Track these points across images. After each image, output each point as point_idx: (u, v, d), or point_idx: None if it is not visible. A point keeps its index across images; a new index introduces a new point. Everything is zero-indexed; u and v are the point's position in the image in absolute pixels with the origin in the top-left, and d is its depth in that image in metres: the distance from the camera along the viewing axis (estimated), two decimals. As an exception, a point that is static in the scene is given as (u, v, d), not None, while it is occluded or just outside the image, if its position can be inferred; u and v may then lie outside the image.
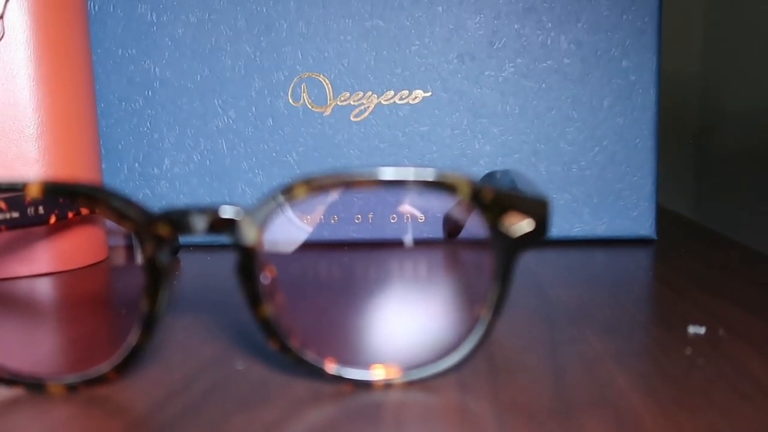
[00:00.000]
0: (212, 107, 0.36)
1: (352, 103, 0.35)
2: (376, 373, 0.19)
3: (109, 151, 0.36)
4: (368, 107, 0.35)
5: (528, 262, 0.32)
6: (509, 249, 0.18)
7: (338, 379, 0.19)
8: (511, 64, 0.35)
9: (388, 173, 0.18)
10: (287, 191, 0.18)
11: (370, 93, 0.35)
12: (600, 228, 0.35)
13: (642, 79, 0.34)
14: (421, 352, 0.19)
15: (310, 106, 0.35)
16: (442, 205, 0.32)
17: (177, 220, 0.18)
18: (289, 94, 0.35)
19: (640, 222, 0.35)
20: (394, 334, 0.21)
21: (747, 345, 0.21)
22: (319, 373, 0.19)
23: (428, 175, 0.17)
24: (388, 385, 0.19)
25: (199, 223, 0.18)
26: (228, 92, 0.35)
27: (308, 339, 0.19)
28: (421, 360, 0.19)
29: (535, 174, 0.35)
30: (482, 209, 0.18)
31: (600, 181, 0.35)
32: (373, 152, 0.35)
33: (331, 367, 0.19)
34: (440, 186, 0.18)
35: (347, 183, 0.18)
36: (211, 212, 0.18)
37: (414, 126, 0.35)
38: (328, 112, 0.35)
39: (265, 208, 0.18)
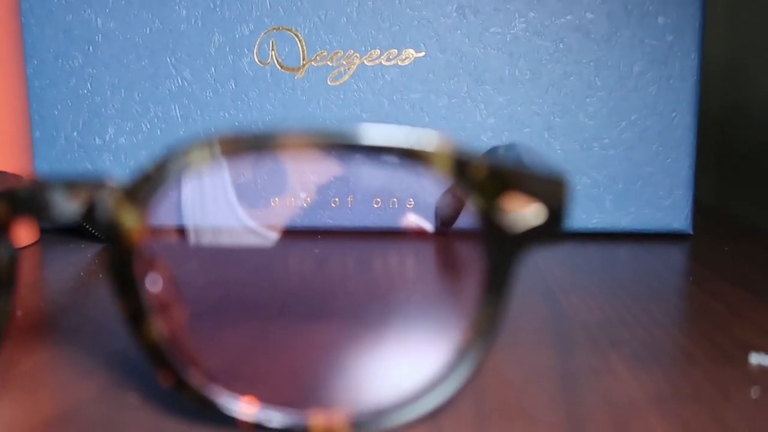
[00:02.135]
0: (164, 66, 0.30)
1: (329, 63, 0.29)
2: (315, 421, 0.13)
3: (44, 118, 0.31)
4: (349, 69, 0.29)
5: (535, 260, 0.26)
6: (508, 248, 0.12)
7: (259, 429, 0.13)
8: (522, 19, 0.29)
9: (328, 134, 0.12)
10: (180, 157, 0.12)
11: (351, 52, 0.29)
12: (625, 220, 0.29)
13: (682, 40, 0.28)
14: (381, 392, 0.14)
15: (279, 67, 0.30)
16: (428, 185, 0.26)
17: (20, 199, 0.12)
18: (255, 52, 0.29)
19: (674, 213, 0.29)
20: (345, 367, 0.15)
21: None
22: (230, 419, 0.13)
23: (389, 137, 0.12)
24: (328, 440, 0.13)
25: (55, 203, 0.12)
26: (183, 49, 0.30)
27: (218, 370, 0.13)
28: (382, 404, 0.13)
29: (549, 153, 0.29)
30: (471, 190, 0.12)
31: (626, 163, 0.29)
32: (354, 122, 0.29)
33: (248, 412, 0.13)
34: (407, 155, 0.12)
35: (266, 146, 0.12)
36: (71, 188, 0.12)
37: (403, 92, 0.29)
38: (301, 74, 0.29)
39: (149, 182, 0.12)
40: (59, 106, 0.30)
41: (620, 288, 0.23)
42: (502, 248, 0.12)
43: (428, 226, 0.30)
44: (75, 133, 0.31)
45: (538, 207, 0.12)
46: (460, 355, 0.13)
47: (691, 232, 0.30)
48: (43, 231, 0.31)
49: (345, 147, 0.12)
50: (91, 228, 0.12)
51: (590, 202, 0.29)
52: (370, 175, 0.29)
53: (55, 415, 0.14)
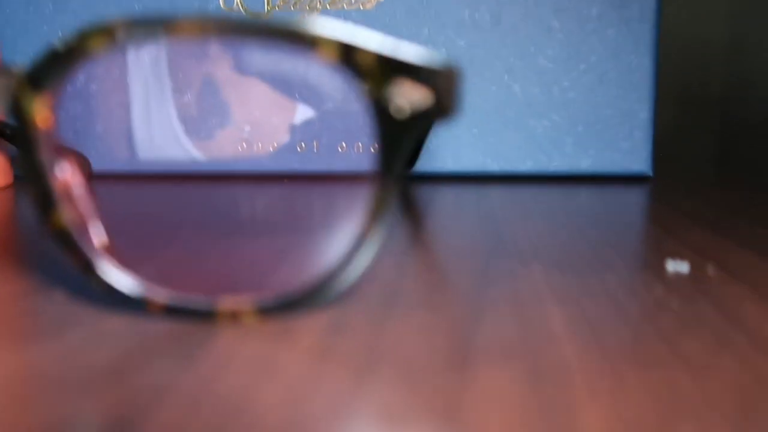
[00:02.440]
0: (129, 11, 0.30)
1: (293, 8, 0.30)
2: (222, 306, 0.13)
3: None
4: (312, 14, 0.30)
5: (489, 197, 0.26)
6: (397, 132, 0.13)
7: (164, 310, 0.14)
8: (483, -37, 0.29)
9: (223, 20, 0.12)
10: (82, 40, 0.12)
11: (314, -4, 0.30)
12: (585, 162, 0.30)
13: (639, -19, 0.28)
14: (288, 281, 0.14)
15: (244, 12, 0.30)
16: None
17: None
18: (221, -3, 0.30)
19: (633, 155, 0.30)
20: (254, 259, 0.15)
21: (743, 286, 0.16)
22: (140, 304, 0.14)
23: (280, 24, 0.12)
24: (234, 321, 0.13)
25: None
26: (149, -5, 0.30)
27: (129, 258, 0.14)
28: (287, 291, 0.14)
29: (509, 96, 0.29)
30: (358, 76, 0.12)
31: (586, 106, 0.29)
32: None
33: (157, 297, 0.13)
34: (294, 39, 0.12)
35: (164, 30, 0.12)
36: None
37: (365, 36, 0.30)
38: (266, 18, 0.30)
39: (52, 66, 0.12)
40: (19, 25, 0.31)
41: (564, 218, 0.23)
42: (391, 132, 0.13)
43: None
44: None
45: (426, 92, 0.12)
46: (359, 241, 0.13)
47: (651, 174, 0.30)
48: (18, 177, 0.31)
49: (237, 31, 0.12)
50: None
51: (550, 144, 0.30)
52: (333, 118, 0.30)
53: (-19, 305, 0.15)
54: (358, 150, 0.30)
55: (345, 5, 0.29)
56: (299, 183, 0.30)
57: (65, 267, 0.17)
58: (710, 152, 0.48)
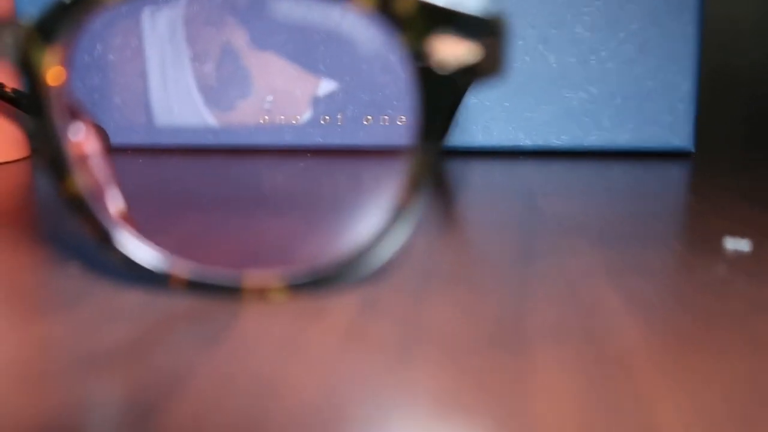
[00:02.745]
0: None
1: (317, -26, 0.28)
2: (250, 282, 0.12)
3: None
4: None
5: (523, 173, 0.25)
6: (440, 88, 0.11)
7: (187, 285, 0.13)
8: (518, -75, 0.27)
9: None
10: (93, -9, 0.11)
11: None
12: (623, 137, 0.28)
13: (685, -56, 0.27)
14: (320, 256, 0.13)
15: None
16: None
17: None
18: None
19: (675, 130, 0.28)
20: (283, 233, 0.14)
21: (810, 264, 0.14)
22: (161, 278, 0.13)
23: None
24: (261, 297, 0.12)
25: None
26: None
27: (149, 229, 0.13)
28: (318, 266, 0.13)
29: (544, 66, 0.28)
30: (397, 26, 0.11)
31: (625, 77, 0.28)
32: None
33: (180, 270, 0.12)
34: (328, -16, 0.11)
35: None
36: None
37: (393, 4, 0.28)
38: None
39: (61, 17, 0.11)
40: None
41: (606, 193, 0.22)
42: (432, 90, 0.11)
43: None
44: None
45: (472, 45, 0.11)
46: (396, 212, 0.12)
47: (693, 150, 0.28)
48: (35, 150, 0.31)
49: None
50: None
51: (587, 118, 0.28)
52: (359, 90, 0.29)
53: (-9, 278, 0.14)
54: (384, 122, 0.29)
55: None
56: (324, 156, 0.28)
57: (82, 239, 0.16)
58: (741, 126, 0.46)
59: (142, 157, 0.27)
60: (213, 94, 0.23)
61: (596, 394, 0.09)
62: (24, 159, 0.29)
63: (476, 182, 0.24)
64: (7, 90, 0.26)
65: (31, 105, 0.12)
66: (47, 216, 0.20)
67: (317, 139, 0.29)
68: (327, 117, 0.29)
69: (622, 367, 0.10)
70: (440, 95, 0.12)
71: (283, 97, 0.28)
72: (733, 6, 0.51)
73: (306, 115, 0.29)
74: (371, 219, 0.13)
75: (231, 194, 0.19)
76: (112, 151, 0.14)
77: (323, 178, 0.24)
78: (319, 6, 0.12)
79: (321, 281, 0.13)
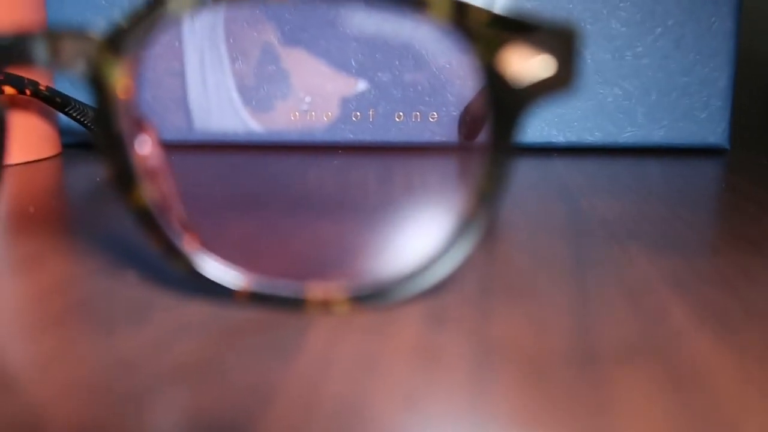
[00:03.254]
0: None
1: (349, -31, 0.28)
2: (313, 294, 0.12)
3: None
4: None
5: (559, 170, 0.25)
6: (513, 103, 0.11)
7: (251, 297, 0.13)
8: None
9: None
10: (163, 4, 0.11)
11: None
12: (657, 133, 0.28)
13: (724, -62, 0.26)
14: (384, 267, 0.13)
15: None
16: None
17: (3, 48, 0.12)
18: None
19: (710, 127, 0.28)
20: (347, 243, 0.14)
21: None
22: (224, 290, 0.13)
23: (384, -20, 0.11)
24: (325, 309, 0.12)
25: (37, 53, 0.12)
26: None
27: (214, 241, 0.13)
28: (382, 278, 0.13)
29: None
30: (470, 39, 0.11)
31: (660, 73, 0.28)
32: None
33: (244, 282, 0.12)
34: (401, 1, 0.11)
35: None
36: (53, 38, 0.12)
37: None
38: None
39: (132, 31, 0.11)
40: None
41: (645, 192, 0.22)
42: (507, 103, 0.11)
43: (451, 139, 0.29)
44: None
45: (545, 58, 0.11)
46: (465, 224, 0.12)
47: (728, 147, 0.28)
48: (66, 146, 0.31)
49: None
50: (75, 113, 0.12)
51: (622, 114, 0.28)
52: (390, 86, 0.29)
53: (51, 287, 0.14)
54: (416, 119, 0.29)
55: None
56: (356, 153, 0.28)
57: (128, 243, 0.16)
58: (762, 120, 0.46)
59: (177, 155, 0.26)
60: (252, 95, 0.23)
61: (678, 414, 0.09)
62: (55, 156, 0.29)
63: (514, 180, 0.24)
64: (42, 89, 0.26)
65: (99, 118, 0.12)
66: (86, 217, 0.20)
67: (348, 135, 0.29)
68: (358, 113, 0.29)
69: (701, 385, 0.10)
70: (512, 109, 0.11)
71: (316, 93, 0.28)
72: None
73: (337, 112, 0.29)
74: (434, 228, 0.13)
75: (280, 195, 0.19)
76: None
77: (374, 177, 0.24)
78: (388, 17, 0.12)
79: (384, 294, 0.13)
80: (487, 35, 0.11)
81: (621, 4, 0.27)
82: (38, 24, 0.28)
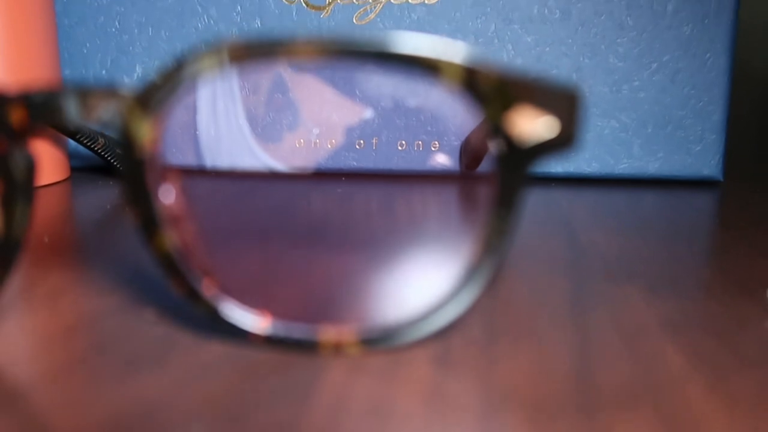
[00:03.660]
0: (190, 4, 0.30)
1: (355, 2, 0.29)
2: (326, 337, 0.13)
3: (73, 56, 0.31)
4: (375, 7, 0.29)
5: (556, 201, 0.26)
6: (519, 161, 0.12)
7: (266, 340, 0.13)
8: (553, -43, 0.28)
9: (336, 41, 0.12)
10: (190, 64, 0.12)
11: (378, -10, 0.29)
12: (653, 165, 0.29)
13: (719, -23, 0.27)
14: (393, 310, 0.14)
15: (305, 5, 0.29)
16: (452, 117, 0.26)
17: (35, 104, 0.12)
18: (281, -11, 0.29)
19: (704, 159, 0.29)
20: (356, 286, 0.15)
21: None
22: (241, 332, 0.13)
23: (398, 44, 0.12)
24: (336, 351, 0.13)
25: (68, 109, 0.12)
26: (209, -14, 0.30)
27: (231, 285, 0.13)
28: (392, 321, 0.13)
29: (576, 95, 0.29)
30: (480, 101, 0.12)
31: (657, 106, 0.28)
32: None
33: (260, 325, 0.13)
34: (415, 63, 0.12)
35: (276, 52, 0.12)
36: (85, 94, 0.12)
37: (429, 32, 0.29)
38: (326, 12, 0.29)
39: (160, 89, 0.12)
40: (88, 44, 0.31)
41: (642, 227, 0.23)
42: (513, 161, 0.12)
43: (453, 168, 0.30)
44: (103, 71, 0.31)
45: (550, 119, 0.12)
46: (471, 272, 0.13)
47: (722, 179, 0.29)
48: (74, 169, 0.31)
49: (352, 54, 0.12)
50: (98, 148, 0.12)
51: (618, 146, 0.29)
52: (393, 115, 0.29)
53: (73, 326, 0.14)
54: (418, 148, 0.30)
55: (409, -1, 0.29)
56: (359, 180, 0.29)
57: (145, 277, 0.16)
58: (753, 133, 0.46)
59: (184, 179, 0.27)
60: (262, 127, 0.24)
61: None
62: (65, 180, 0.30)
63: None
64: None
65: (128, 171, 0.12)
66: (100, 246, 0.20)
67: (352, 162, 0.30)
68: (362, 141, 0.30)
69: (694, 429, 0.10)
70: (517, 166, 0.12)
71: (321, 122, 0.29)
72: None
73: (342, 140, 0.30)
74: (443, 271, 0.13)
75: (286, 225, 0.20)
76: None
77: (376, 208, 0.25)
78: (403, 80, 0.12)
79: (394, 337, 0.13)
80: (496, 97, 0.12)
81: (619, 40, 0.28)
82: (53, 78, 0.28)
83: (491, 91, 0.12)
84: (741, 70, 0.51)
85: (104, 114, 0.12)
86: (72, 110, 0.12)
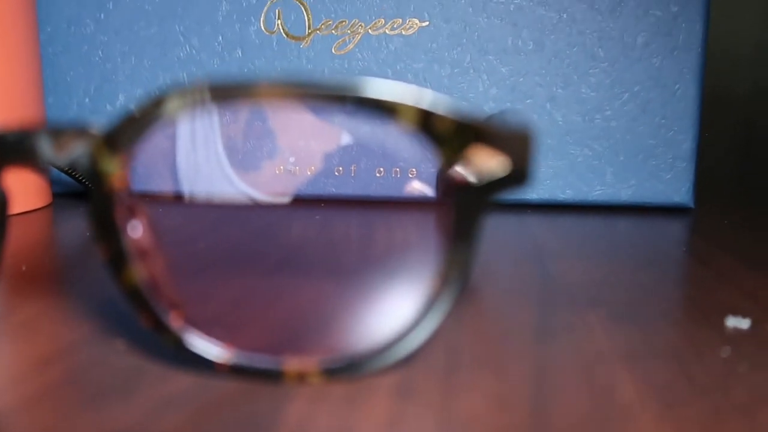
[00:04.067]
0: (173, 34, 0.30)
1: (334, 32, 0.30)
2: (289, 367, 0.13)
3: (57, 84, 0.31)
4: (353, 38, 0.29)
5: (530, 227, 0.26)
6: (473, 199, 0.13)
7: (232, 370, 0.13)
8: (527, -10, 0.29)
9: (303, 85, 0.12)
10: (159, 104, 0.12)
11: (356, 21, 0.29)
12: (626, 192, 0.29)
13: (687, 11, 0.28)
14: (355, 341, 0.14)
15: (285, 36, 0.30)
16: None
17: (7, 144, 0.13)
18: (262, 20, 0.30)
19: (675, 186, 0.29)
20: (320, 317, 0.15)
21: (809, 348, 0.15)
22: (207, 363, 0.14)
23: (358, 88, 0.12)
24: (300, 381, 0.13)
25: (41, 149, 0.13)
26: (191, 16, 0.30)
27: (198, 316, 0.14)
28: (355, 352, 0.14)
29: (551, 124, 0.29)
30: (436, 142, 0.12)
31: (628, 135, 0.29)
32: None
33: (225, 356, 0.13)
34: (372, 106, 0.12)
35: (244, 94, 0.12)
36: (56, 134, 0.13)
37: (407, 62, 0.30)
38: (306, 42, 0.30)
39: (128, 128, 0.12)
40: (72, 73, 0.31)
41: (612, 256, 0.23)
42: (468, 199, 0.12)
43: (430, 195, 0.30)
44: (87, 99, 0.31)
45: (503, 159, 0.12)
46: (429, 304, 0.13)
47: (693, 206, 0.29)
48: (56, 195, 0.31)
49: (315, 97, 0.12)
50: (77, 175, 0.13)
51: (591, 174, 0.29)
52: (371, 142, 0.30)
53: (46, 355, 0.15)
54: (396, 175, 0.30)
55: (387, 30, 0.29)
56: (338, 207, 0.29)
57: (118, 307, 0.16)
58: (735, 159, 0.47)
59: (162, 206, 0.28)
60: (240, 155, 0.24)
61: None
62: (46, 207, 0.30)
63: (487, 238, 0.25)
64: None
65: (95, 207, 0.13)
66: (78, 275, 0.21)
67: (331, 189, 0.30)
68: (341, 168, 0.30)
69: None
70: (472, 203, 0.13)
71: (300, 150, 0.29)
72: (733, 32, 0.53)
73: (321, 167, 0.30)
74: (405, 301, 0.14)
75: (259, 253, 0.20)
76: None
77: (350, 235, 0.25)
78: (360, 120, 0.13)
79: (356, 367, 0.14)
80: (451, 139, 0.12)
81: (591, 71, 0.29)
82: (36, 106, 0.29)
83: (446, 133, 0.12)
84: (723, 97, 0.52)
85: (75, 152, 0.12)
86: (44, 150, 0.13)
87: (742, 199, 0.35)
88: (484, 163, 0.12)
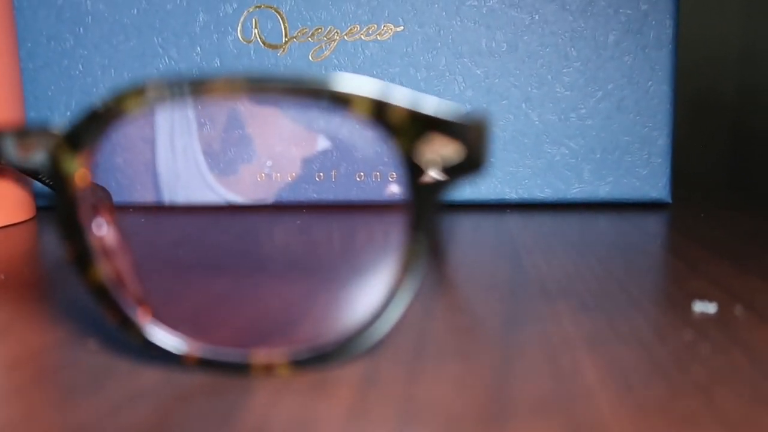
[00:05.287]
0: (151, 46, 0.31)
1: (311, 40, 0.30)
2: (256, 359, 0.14)
3: (38, 98, 0.32)
4: (329, 45, 0.30)
5: (508, 226, 0.26)
6: (429, 188, 0.13)
7: (199, 364, 0.14)
8: (499, -7, 0.29)
9: (256, 79, 0.12)
10: (116, 102, 0.13)
11: (332, 28, 0.30)
12: (603, 189, 0.30)
13: (656, 9, 0.29)
14: (322, 333, 0.14)
15: (262, 44, 0.30)
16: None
17: (-29, 145, 0.13)
18: (239, 29, 0.30)
19: (652, 182, 0.30)
20: (286, 311, 0.16)
21: (772, 328, 0.16)
22: (175, 357, 0.14)
23: (312, 81, 0.12)
24: (267, 373, 0.14)
25: (6, 150, 0.13)
26: (169, 28, 0.31)
27: (164, 312, 0.14)
28: (321, 343, 0.14)
29: (527, 124, 0.30)
30: (390, 132, 0.13)
31: (604, 133, 0.29)
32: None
33: (192, 350, 0.14)
34: (326, 97, 0.12)
35: (197, 91, 0.13)
36: (20, 136, 0.13)
37: (383, 67, 0.30)
38: (283, 51, 0.30)
39: (87, 127, 0.13)
40: (52, 87, 0.31)
41: (587, 250, 0.23)
42: (424, 188, 0.13)
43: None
44: (68, 113, 0.32)
45: (457, 147, 0.13)
46: (392, 294, 0.13)
47: (670, 201, 0.30)
48: (40, 208, 0.32)
49: (269, 90, 0.12)
50: (43, 177, 0.13)
51: (569, 172, 0.30)
52: (350, 147, 0.30)
53: (17, 358, 0.15)
54: (376, 179, 0.30)
55: (362, 36, 0.30)
56: (319, 212, 0.30)
57: (91, 311, 0.17)
58: (723, 161, 0.48)
59: (143, 216, 0.28)
60: (218, 160, 0.25)
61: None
62: (30, 220, 0.30)
63: (464, 237, 0.25)
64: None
65: (59, 206, 0.13)
66: (55, 284, 0.21)
67: (312, 195, 0.31)
68: (321, 174, 0.30)
69: (597, 441, 0.11)
70: (428, 191, 0.13)
71: (280, 156, 0.29)
72: (718, 35, 0.53)
73: (301, 172, 0.30)
74: (369, 291, 0.14)
75: (234, 257, 0.20)
76: (115, 210, 0.15)
77: (322, 240, 0.25)
78: (317, 111, 0.13)
79: (323, 358, 0.14)
80: (405, 129, 0.13)
81: (564, 70, 0.29)
82: (18, 121, 0.29)
83: (400, 122, 0.12)
84: (712, 98, 0.52)
85: (38, 153, 0.13)
86: (9, 151, 0.13)
87: (727, 198, 0.35)
88: (440, 152, 0.13)
